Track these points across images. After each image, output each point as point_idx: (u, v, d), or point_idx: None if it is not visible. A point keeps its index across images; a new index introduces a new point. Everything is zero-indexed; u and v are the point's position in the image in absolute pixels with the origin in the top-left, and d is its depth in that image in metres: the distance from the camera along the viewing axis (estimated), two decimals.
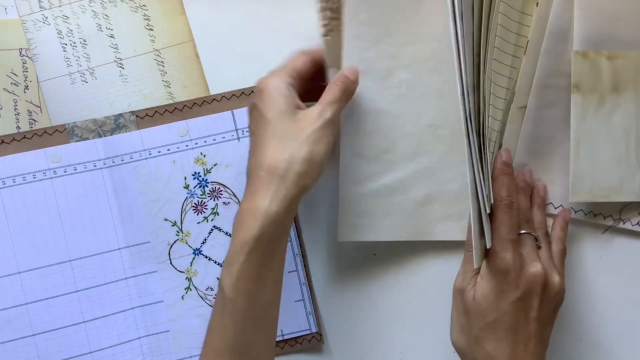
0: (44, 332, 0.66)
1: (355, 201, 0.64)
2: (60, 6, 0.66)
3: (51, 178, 0.66)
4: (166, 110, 0.67)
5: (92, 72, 0.67)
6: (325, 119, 0.56)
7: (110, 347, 0.66)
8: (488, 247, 0.57)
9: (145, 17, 0.67)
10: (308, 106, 0.58)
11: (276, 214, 0.54)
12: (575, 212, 0.67)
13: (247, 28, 0.68)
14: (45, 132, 0.66)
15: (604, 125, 0.64)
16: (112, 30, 0.66)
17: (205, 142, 0.67)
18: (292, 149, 0.55)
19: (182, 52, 0.67)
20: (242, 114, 0.67)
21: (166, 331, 0.67)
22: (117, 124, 0.66)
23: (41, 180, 0.65)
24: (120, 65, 0.67)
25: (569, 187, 0.64)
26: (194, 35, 0.67)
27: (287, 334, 0.68)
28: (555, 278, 0.58)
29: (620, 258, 0.68)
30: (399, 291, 0.69)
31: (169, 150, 0.67)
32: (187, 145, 0.67)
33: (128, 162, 0.67)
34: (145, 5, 0.67)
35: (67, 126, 0.66)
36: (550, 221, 0.65)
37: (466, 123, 0.54)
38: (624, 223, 0.67)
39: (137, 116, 0.67)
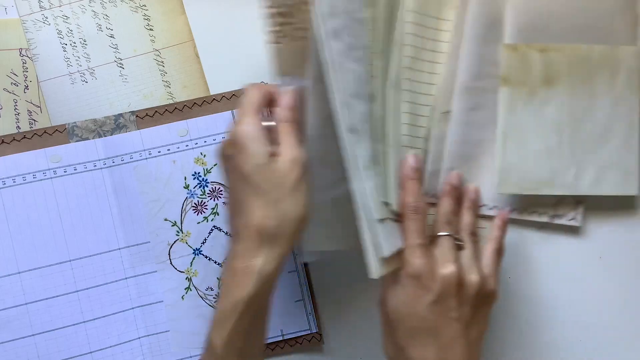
0: (44, 332, 0.66)
1: (318, 209, 0.58)
2: (60, 6, 0.66)
3: (51, 178, 0.66)
4: (166, 110, 0.67)
5: (92, 72, 0.67)
6: (301, 163, 0.55)
7: (111, 347, 0.66)
8: (386, 255, 0.56)
9: (145, 17, 0.67)
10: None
11: (270, 273, 0.54)
12: (511, 211, 0.66)
13: (247, 28, 0.68)
14: (45, 132, 0.66)
15: (535, 119, 0.64)
16: (112, 30, 0.66)
17: (205, 142, 0.67)
18: (279, 206, 0.53)
19: (182, 52, 0.67)
20: None
21: (166, 331, 0.67)
22: (117, 124, 0.66)
23: (41, 180, 0.65)
24: (120, 65, 0.67)
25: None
26: (194, 35, 0.68)
27: (287, 334, 0.68)
28: (472, 277, 0.57)
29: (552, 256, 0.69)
30: None
31: (169, 150, 0.67)
32: (187, 145, 0.67)
33: (128, 162, 0.67)
34: (145, 5, 0.67)
35: (67, 126, 0.66)
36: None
37: (344, 132, 0.54)
38: (559, 219, 0.67)
39: (137, 116, 0.67)
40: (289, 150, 0.55)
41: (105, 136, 0.66)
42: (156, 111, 0.67)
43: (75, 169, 0.66)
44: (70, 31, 0.66)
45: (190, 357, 0.67)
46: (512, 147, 0.64)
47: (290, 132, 0.56)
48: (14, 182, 0.65)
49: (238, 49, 0.68)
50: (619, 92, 0.65)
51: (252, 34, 0.67)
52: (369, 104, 0.59)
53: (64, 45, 0.66)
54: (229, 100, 0.67)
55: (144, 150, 0.67)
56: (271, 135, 0.56)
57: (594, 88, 0.64)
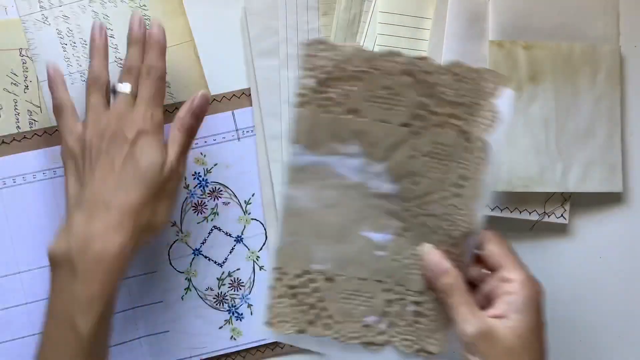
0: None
1: None
2: (60, 6, 0.66)
3: (51, 178, 0.66)
4: (166, 110, 0.67)
5: None
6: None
7: (110, 347, 0.66)
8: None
9: (146, 17, 0.67)
10: None
11: None
12: (501, 210, 0.66)
13: (216, 66, 0.68)
14: (45, 132, 0.66)
15: (522, 115, 0.64)
16: (112, 30, 0.66)
17: (205, 142, 0.68)
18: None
19: (182, 53, 0.67)
20: (242, 114, 0.67)
21: (166, 331, 0.67)
22: None
23: (41, 180, 0.66)
24: (120, 65, 0.67)
25: None
26: (195, 36, 0.68)
27: None
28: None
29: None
30: None
31: None
32: None
33: None
34: (145, 5, 0.67)
35: None
36: None
37: None
38: (548, 217, 0.67)
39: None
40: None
41: None
42: None
43: None
44: (70, 31, 0.66)
45: (191, 357, 0.67)
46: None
47: (180, 141, 0.60)
48: (14, 182, 0.65)
49: (238, 49, 0.68)
50: (601, 89, 0.65)
51: (224, 68, 0.68)
52: None
53: (64, 45, 0.66)
54: (229, 100, 0.67)
55: None
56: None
57: (577, 85, 0.65)
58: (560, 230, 0.68)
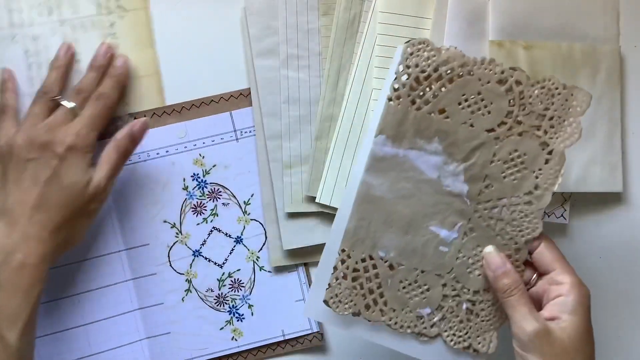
0: (44, 335, 0.66)
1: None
2: (31, 26, 0.65)
3: None
4: (164, 112, 0.66)
5: None
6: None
7: (111, 349, 0.67)
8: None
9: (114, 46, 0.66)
10: None
11: None
12: None
13: (218, 67, 0.68)
14: None
15: None
16: (79, 54, 0.65)
17: (204, 143, 0.67)
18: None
19: (148, 85, 0.67)
20: (240, 115, 0.67)
21: (167, 333, 0.67)
22: (115, 127, 0.66)
23: None
24: None
25: None
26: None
27: (288, 334, 0.68)
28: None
29: None
30: None
31: (167, 151, 0.67)
32: (185, 147, 0.67)
33: (127, 164, 0.66)
34: (115, 34, 0.66)
35: None
36: None
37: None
38: (548, 217, 0.67)
39: (135, 118, 0.66)
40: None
41: (103, 138, 0.66)
42: (154, 113, 0.66)
43: None
44: (37, 51, 0.65)
45: (192, 358, 0.67)
46: None
47: (112, 162, 0.61)
48: None
49: (238, 49, 0.67)
50: (601, 89, 0.65)
51: (221, 70, 0.67)
52: (308, 106, 0.65)
53: (30, 65, 0.65)
54: (227, 101, 0.67)
55: (143, 152, 0.66)
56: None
57: (577, 85, 0.64)
58: (560, 230, 0.68)
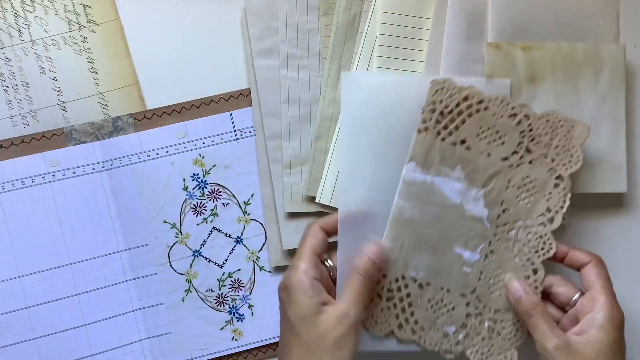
0: (45, 336, 0.66)
1: None
2: (2, 48, 0.65)
3: (50, 182, 0.65)
4: (164, 112, 0.66)
5: (34, 115, 0.66)
6: (349, 322, 0.54)
7: (112, 349, 0.67)
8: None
9: (90, 60, 0.66)
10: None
11: None
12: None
13: (196, 72, 0.68)
14: (43, 136, 0.65)
15: None
16: (55, 72, 0.65)
17: (203, 143, 0.67)
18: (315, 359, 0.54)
19: (127, 96, 0.67)
20: (240, 115, 0.67)
21: (167, 333, 0.67)
22: (115, 127, 0.66)
23: (40, 184, 0.65)
24: (63, 108, 0.66)
25: None
26: (140, 79, 0.67)
27: None
28: None
29: None
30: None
31: (167, 152, 0.67)
32: (185, 147, 0.67)
33: (126, 165, 0.66)
34: (89, 49, 0.66)
35: (65, 130, 0.66)
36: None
37: None
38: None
39: (135, 118, 0.66)
40: (342, 307, 0.54)
41: (103, 139, 0.66)
42: (154, 113, 0.66)
43: (74, 173, 0.66)
44: (12, 74, 0.65)
45: (192, 358, 0.67)
46: None
47: (357, 287, 0.56)
48: (13, 186, 0.65)
49: (238, 49, 0.67)
50: (604, 90, 0.65)
51: (201, 77, 0.67)
52: (308, 106, 0.66)
53: (6, 88, 0.65)
54: (227, 101, 0.67)
55: (143, 152, 0.66)
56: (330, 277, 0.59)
57: (579, 86, 0.64)
58: (560, 230, 0.68)
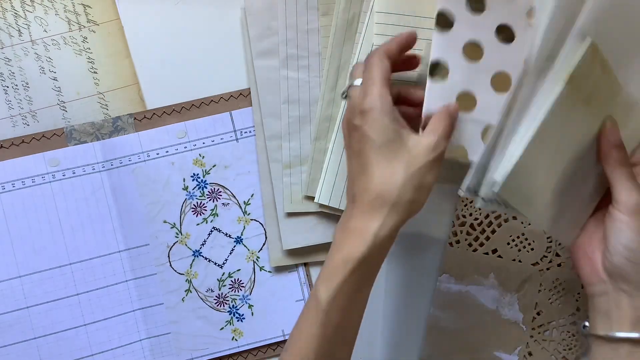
0: (45, 335, 0.66)
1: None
2: (2, 48, 0.65)
3: (50, 182, 0.65)
4: (164, 112, 0.67)
5: (34, 115, 0.66)
6: (439, 152, 0.53)
7: (112, 349, 0.67)
8: None
9: (90, 60, 0.66)
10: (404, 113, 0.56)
11: (384, 239, 0.53)
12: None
13: (196, 72, 0.68)
14: (43, 136, 0.65)
15: (562, 129, 0.53)
16: (55, 72, 0.65)
17: (203, 143, 0.67)
18: (404, 177, 0.53)
19: (127, 96, 0.67)
20: (240, 115, 0.67)
21: (167, 333, 0.67)
22: (115, 127, 0.66)
23: (40, 184, 0.65)
24: (63, 108, 0.66)
25: None
26: (140, 79, 0.67)
27: (288, 334, 0.68)
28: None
29: None
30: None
31: (167, 152, 0.67)
32: (185, 147, 0.67)
33: (126, 165, 0.66)
34: (89, 48, 0.66)
35: (65, 130, 0.66)
36: None
37: None
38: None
39: (135, 118, 0.66)
40: (433, 138, 0.53)
41: (103, 139, 0.66)
42: (154, 113, 0.66)
43: (74, 173, 0.66)
44: (12, 74, 0.65)
45: (192, 358, 0.67)
46: (533, 151, 0.50)
47: (446, 127, 0.54)
48: (13, 186, 0.65)
49: (238, 49, 0.67)
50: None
51: (201, 77, 0.67)
52: (308, 107, 0.66)
53: (6, 88, 0.65)
54: (227, 101, 0.67)
55: (143, 152, 0.66)
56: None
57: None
58: None
